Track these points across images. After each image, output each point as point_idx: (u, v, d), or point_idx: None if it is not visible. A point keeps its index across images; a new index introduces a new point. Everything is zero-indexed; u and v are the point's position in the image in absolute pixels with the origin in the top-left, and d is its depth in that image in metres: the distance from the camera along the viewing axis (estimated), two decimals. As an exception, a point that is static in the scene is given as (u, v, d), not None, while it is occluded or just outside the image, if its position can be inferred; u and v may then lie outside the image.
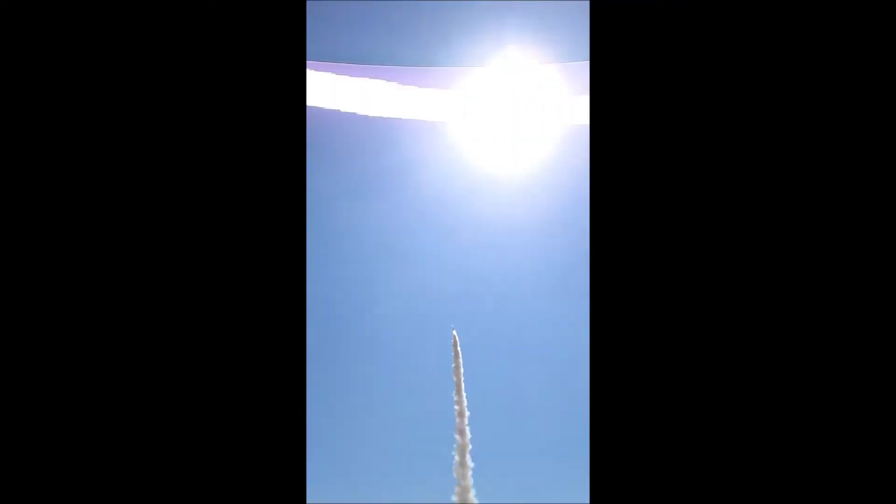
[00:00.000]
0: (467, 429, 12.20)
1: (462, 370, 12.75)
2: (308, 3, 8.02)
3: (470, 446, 12.08)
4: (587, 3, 7.76)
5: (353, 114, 15.14)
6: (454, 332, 13.06)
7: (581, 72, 14.76)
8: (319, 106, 15.06)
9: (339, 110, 15.13)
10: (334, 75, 15.18)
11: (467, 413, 12.38)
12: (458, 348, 12.91)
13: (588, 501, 7.16)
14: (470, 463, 11.97)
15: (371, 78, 15.14)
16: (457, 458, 11.95)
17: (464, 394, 12.58)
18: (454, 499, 11.73)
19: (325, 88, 15.16)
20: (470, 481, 11.81)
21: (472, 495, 11.71)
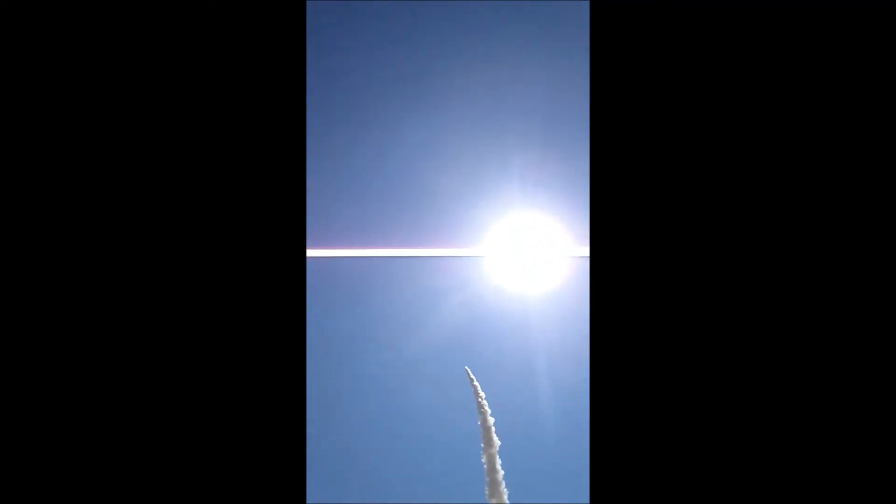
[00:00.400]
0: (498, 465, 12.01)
1: (485, 405, 12.56)
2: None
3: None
4: (587, 4, 7.78)
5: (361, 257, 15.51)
6: (467, 369, 12.92)
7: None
8: (323, 255, 15.31)
9: (340, 256, 15.52)
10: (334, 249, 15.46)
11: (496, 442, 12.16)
12: (476, 383, 12.71)
13: (588, 502, 7.16)
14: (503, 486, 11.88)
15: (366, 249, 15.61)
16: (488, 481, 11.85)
17: (492, 428, 12.31)
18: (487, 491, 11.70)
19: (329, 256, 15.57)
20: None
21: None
